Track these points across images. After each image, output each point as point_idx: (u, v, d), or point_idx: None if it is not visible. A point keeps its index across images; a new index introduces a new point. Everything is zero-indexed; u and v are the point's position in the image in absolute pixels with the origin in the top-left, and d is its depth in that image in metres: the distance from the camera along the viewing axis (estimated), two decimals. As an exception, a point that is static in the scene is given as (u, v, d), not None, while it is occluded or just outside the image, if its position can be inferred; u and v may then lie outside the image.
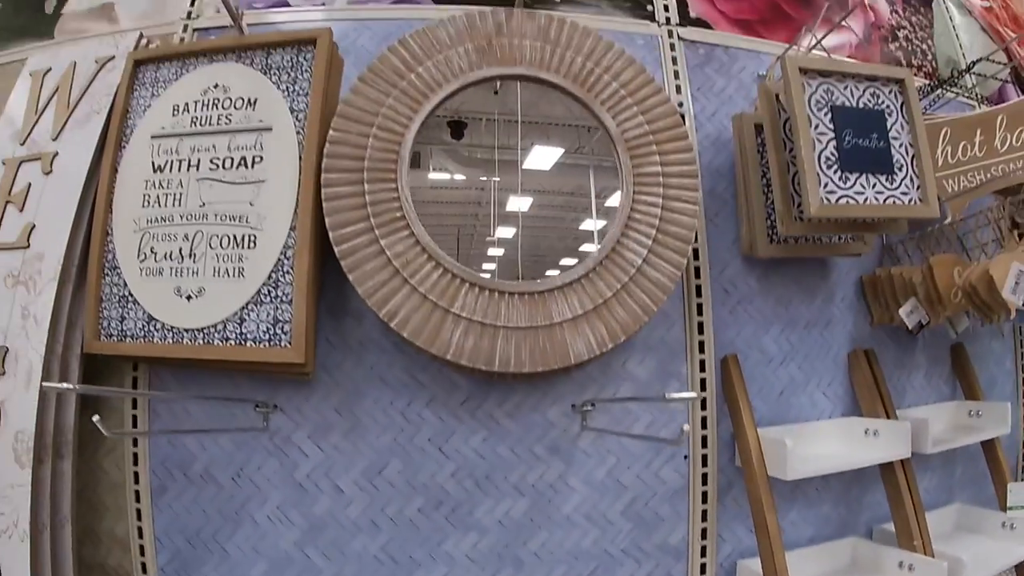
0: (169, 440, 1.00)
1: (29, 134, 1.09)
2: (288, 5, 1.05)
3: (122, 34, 1.09)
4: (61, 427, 0.97)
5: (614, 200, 1.01)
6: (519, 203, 1.05)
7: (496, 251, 1.00)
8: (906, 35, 1.34)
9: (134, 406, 1.02)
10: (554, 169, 1.06)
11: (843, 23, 1.19)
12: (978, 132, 1.21)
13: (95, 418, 0.71)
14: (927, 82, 1.30)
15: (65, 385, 0.73)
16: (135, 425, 1.02)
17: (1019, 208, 1.20)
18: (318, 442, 0.96)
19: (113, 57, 1.07)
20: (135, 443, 1.01)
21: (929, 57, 1.37)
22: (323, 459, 0.96)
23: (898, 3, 1.37)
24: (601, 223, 1.08)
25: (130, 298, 0.94)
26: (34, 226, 1.01)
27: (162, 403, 1.01)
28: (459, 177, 1.05)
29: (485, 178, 1.05)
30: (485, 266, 0.99)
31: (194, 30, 1.07)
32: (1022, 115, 1.23)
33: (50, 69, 1.13)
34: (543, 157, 1.05)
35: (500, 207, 1.02)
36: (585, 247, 1.04)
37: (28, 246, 1.00)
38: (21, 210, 1.04)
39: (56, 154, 1.04)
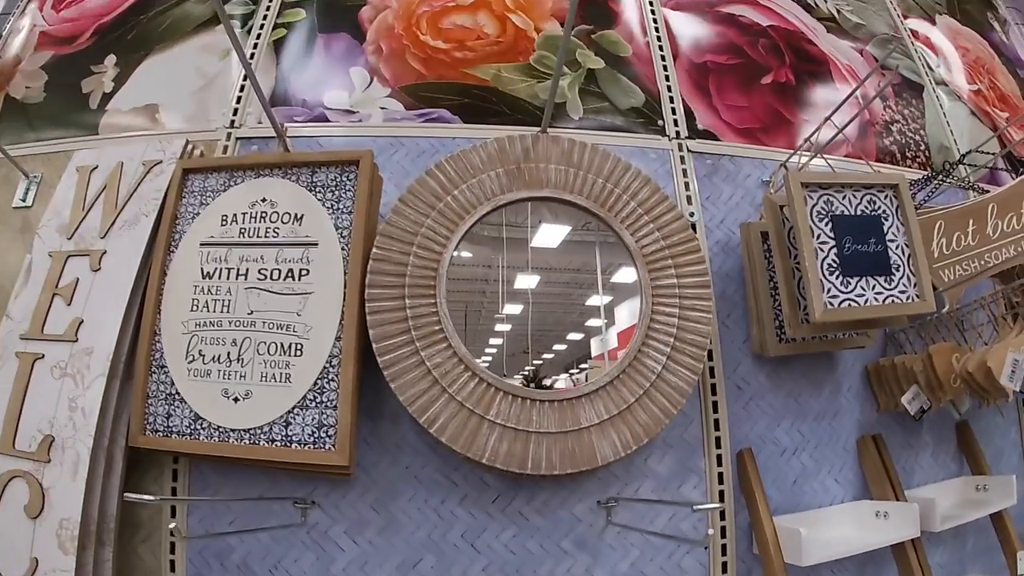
0: (207, 530, 1.09)
1: (76, 229, 1.22)
2: (327, 120, 1.20)
3: (168, 139, 1.23)
4: (104, 515, 1.07)
5: (620, 276, 1.14)
6: (527, 280, 1.18)
7: (504, 327, 1.12)
8: (900, 128, 1.51)
9: (172, 493, 1.12)
10: (561, 246, 1.18)
11: (836, 124, 1.36)
12: (970, 222, 1.37)
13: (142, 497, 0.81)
14: (924, 173, 1.46)
15: (148, 497, 0.83)
16: (174, 516, 1.12)
17: (1016, 291, 1.35)
18: (354, 537, 1.06)
19: (160, 161, 1.21)
20: (173, 532, 1.10)
21: (923, 147, 1.55)
22: (359, 554, 1.05)
23: (891, 98, 1.55)
24: (607, 298, 1.21)
25: (177, 396, 1.05)
26: (82, 321, 1.13)
27: (202, 494, 1.10)
28: (466, 255, 1.13)
29: (494, 255, 1.15)
30: (492, 341, 1.11)
31: (237, 139, 1.21)
32: (1011, 202, 1.39)
33: (97, 166, 1.27)
34: (551, 235, 1.18)
35: (508, 284, 1.14)
36: (591, 322, 1.17)
37: (76, 340, 1.12)
38: (69, 304, 1.16)
39: (105, 252, 1.16)
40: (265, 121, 1.22)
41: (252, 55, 1.29)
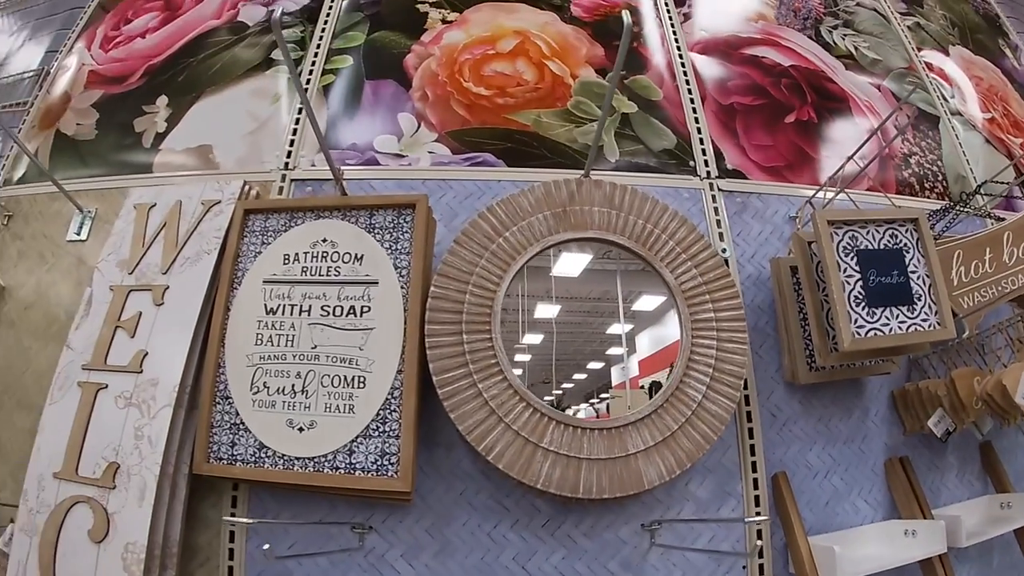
0: (266, 556, 1.21)
1: (137, 264, 1.35)
2: (378, 163, 1.35)
3: (226, 180, 1.37)
4: (168, 540, 1.18)
5: (641, 304, 1.26)
6: (548, 310, 1.27)
7: (524, 357, 1.21)
8: (917, 160, 1.67)
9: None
10: (582, 275, 1.30)
11: (858, 160, 1.52)
12: (987, 250, 1.52)
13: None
14: (942, 203, 1.61)
15: (243, 520, 0.95)
16: (232, 541, 1.23)
17: (1033, 316, 1.49)
18: (410, 561, 1.17)
19: (219, 201, 1.36)
20: (231, 556, 1.22)
21: (940, 177, 1.70)
22: (414, 577, 1.17)
23: (908, 131, 1.71)
24: (628, 327, 1.33)
25: (242, 426, 1.18)
26: (147, 353, 1.26)
27: (260, 520, 1.22)
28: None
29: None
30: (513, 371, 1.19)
31: (292, 180, 1.36)
32: (1026, 229, 1.55)
33: (155, 204, 1.41)
34: (572, 263, 1.29)
35: (528, 313, 1.24)
36: (612, 351, 1.29)
37: (141, 371, 1.25)
38: (132, 336, 1.29)
39: (167, 287, 1.30)
40: (319, 163, 1.37)
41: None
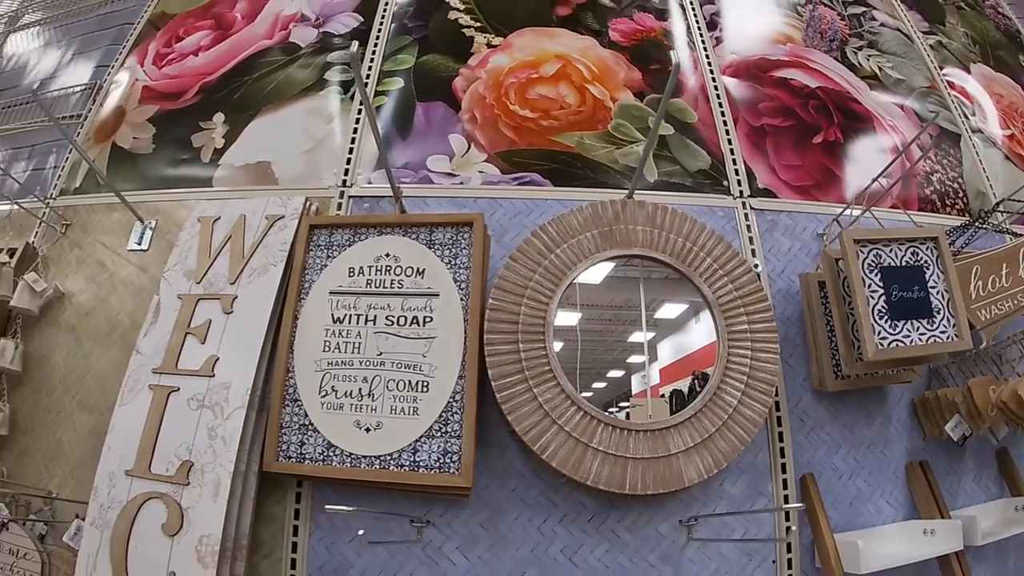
0: (327, 547, 1.39)
1: (205, 274, 1.53)
2: (431, 182, 1.53)
3: (288, 195, 1.55)
4: (238, 533, 1.35)
5: (664, 312, 1.42)
6: (569, 317, 1.40)
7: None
8: (939, 178, 1.85)
9: (296, 516, 1.41)
10: (604, 282, 1.44)
11: (883, 181, 1.70)
12: (1004, 265, 1.70)
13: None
14: (962, 219, 1.79)
15: (344, 508, 1.13)
16: (296, 534, 1.41)
17: (1047, 328, 1.67)
18: (465, 553, 1.35)
19: (283, 216, 1.54)
20: (294, 548, 1.39)
21: (961, 194, 1.88)
22: (469, 567, 1.35)
23: (930, 148, 1.89)
24: (650, 335, 1.49)
25: (311, 427, 1.35)
26: (218, 358, 1.43)
27: (323, 514, 1.40)
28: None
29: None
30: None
31: (349, 197, 1.54)
32: (1041, 245, 1.72)
33: (219, 217, 1.59)
34: (595, 271, 1.41)
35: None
36: (633, 359, 1.44)
37: (213, 375, 1.42)
38: (203, 342, 1.46)
39: (236, 297, 1.48)
40: (375, 181, 1.54)
41: (357, 120, 1.62)
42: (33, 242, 1.81)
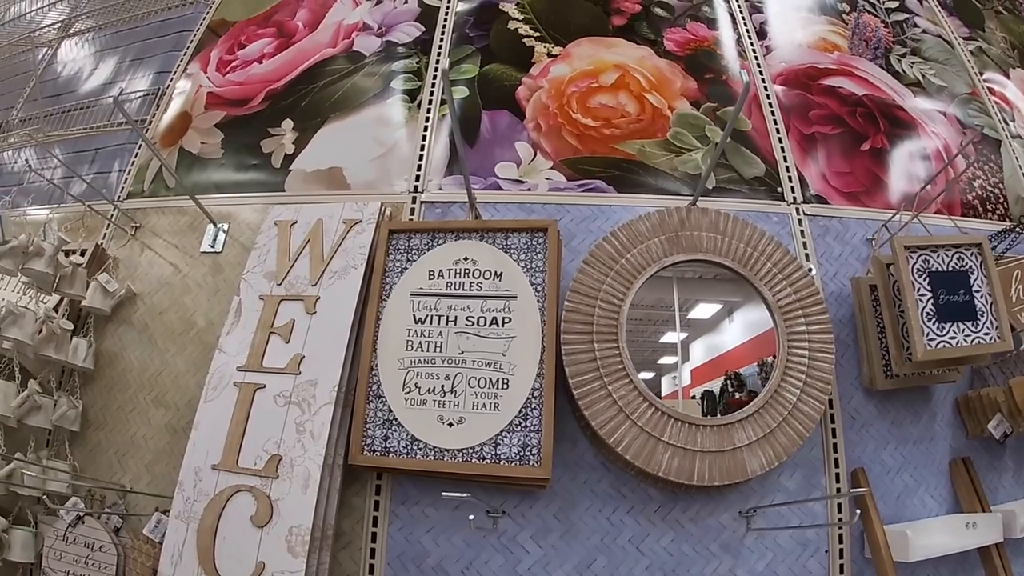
0: (406, 537, 1.54)
1: (285, 276, 1.68)
2: (500, 188, 1.68)
3: (364, 202, 1.70)
4: (325, 524, 1.50)
5: (697, 312, 1.56)
6: None
7: None
8: (981, 184, 2.00)
9: (375, 508, 1.56)
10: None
11: (927, 188, 1.85)
12: (1044, 269, 1.85)
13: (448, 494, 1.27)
14: (1004, 224, 1.93)
15: (462, 494, 1.27)
16: (375, 525, 1.56)
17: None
18: (538, 542, 1.50)
19: (360, 221, 1.69)
20: (373, 539, 1.55)
21: (1001, 199, 2.03)
22: (542, 555, 1.50)
23: (972, 155, 2.03)
24: (683, 335, 1.62)
25: (395, 422, 1.50)
26: (303, 356, 1.58)
27: (402, 505, 1.55)
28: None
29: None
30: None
31: (422, 202, 1.68)
32: (1079, 250, 1.88)
33: (296, 221, 1.74)
34: None
35: None
36: (664, 360, 1.57)
37: (299, 373, 1.57)
38: (287, 341, 1.61)
39: (318, 298, 1.62)
40: (446, 187, 1.69)
41: (425, 127, 1.77)
42: (102, 243, 1.95)
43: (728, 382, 1.65)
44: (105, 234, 1.98)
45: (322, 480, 1.48)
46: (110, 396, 1.85)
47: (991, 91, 2.23)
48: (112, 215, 1.97)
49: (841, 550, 1.57)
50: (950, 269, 1.66)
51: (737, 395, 1.60)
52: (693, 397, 1.67)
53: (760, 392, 1.48)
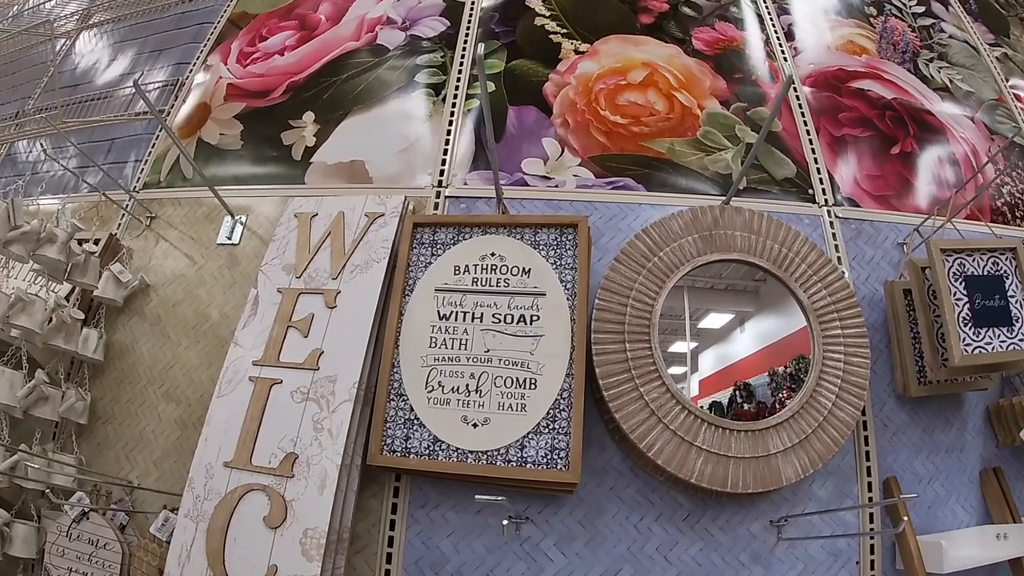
0: (424, 542, 1.46)
1: (305, 269, 1.61)
2: (527, 184, 1.61)
3: (387, 194, 1.63)
4: (341, 527, 1.43)
5: (707, 322, 1.50)
6: None
7: None
8: (1009, 190, 1.94)
9: (393, 511, 1.48)
10: None
11: (960, 191, 1.79)
12: (1074, 277, 1.79)
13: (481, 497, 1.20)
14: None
15: (496, 498, 1.20)
16: (392, 529, 1.48)
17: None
18: (563, 549, 1.43)
19: (382, 214, 1.62)
20: (390, 543, 1.47)
21: (1029, 206, 1.97)
22: (566, 564, 1.43)
23: (1000, 162, 1.98)
24: (693, 344, 1.55)
25: (416, 421, 1.43)
26: (322, 352, 1.51)
27: (420, 509, 1.48)
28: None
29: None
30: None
31: (446, 197, 1.62)
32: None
33: (316, 214, 1.67)
34: None
35: None
36: (673, 370, 1.46)
37: (318, 368, 1.49)
38: (306, 336, 1.54)
39: (339, 292, 1.55)
40: (471, 182, 1.63)
41: (450, 122, 1.71)
42: (116, 233, 1.89)
43: (737, 392, 1.58)
44: (120, 224, 1.91)
45: (339, 480, 1.40)
46: (120, 389, 1.78)
47: (1017, 97, 2.18)
48: (128, 205, 1.91)
49: (872, 561, 1.50)
50: (985, 273, 1.60)
51: (746, 406, 1.53)
52: (701, 407, 1.61)
53: (796, 397, 1.41)
